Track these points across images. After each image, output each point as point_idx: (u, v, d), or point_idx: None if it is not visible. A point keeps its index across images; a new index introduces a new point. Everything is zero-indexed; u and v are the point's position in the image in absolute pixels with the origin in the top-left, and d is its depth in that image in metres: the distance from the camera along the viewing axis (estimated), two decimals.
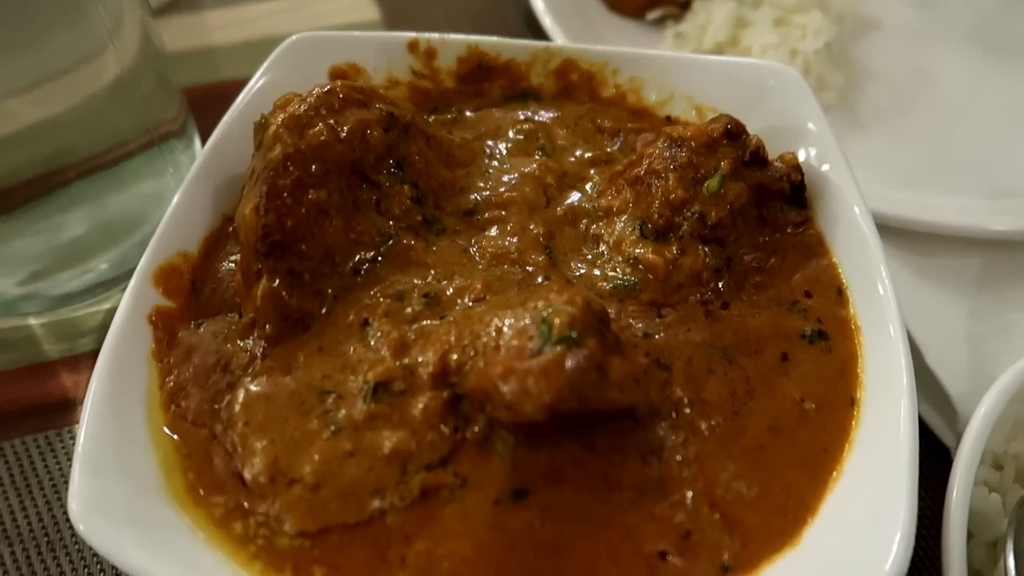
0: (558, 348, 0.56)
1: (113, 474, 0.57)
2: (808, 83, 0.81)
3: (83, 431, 0.58)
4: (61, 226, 0.83)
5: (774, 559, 0.57)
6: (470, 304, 0.66)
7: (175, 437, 0.63)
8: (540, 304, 0.60)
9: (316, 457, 0.60)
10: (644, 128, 0.85)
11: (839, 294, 0.71)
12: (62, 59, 0.74)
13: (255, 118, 0.76)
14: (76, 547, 0.72)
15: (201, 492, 0.60)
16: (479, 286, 0.68)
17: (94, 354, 0.84)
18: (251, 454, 0.60)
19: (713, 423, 0.63)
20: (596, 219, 0.76)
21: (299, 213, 0.66)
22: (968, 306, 0.87)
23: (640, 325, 0.68)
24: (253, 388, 0.64)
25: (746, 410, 0.64)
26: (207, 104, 0.96)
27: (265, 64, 0.83)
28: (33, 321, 0.88)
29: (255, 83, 0.81)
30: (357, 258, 0.70)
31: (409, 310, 0.67)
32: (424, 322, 0.66)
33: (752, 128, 0.80)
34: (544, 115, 0.86)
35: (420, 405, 0.61)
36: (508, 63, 0.88)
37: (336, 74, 0.84)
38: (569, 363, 0.56)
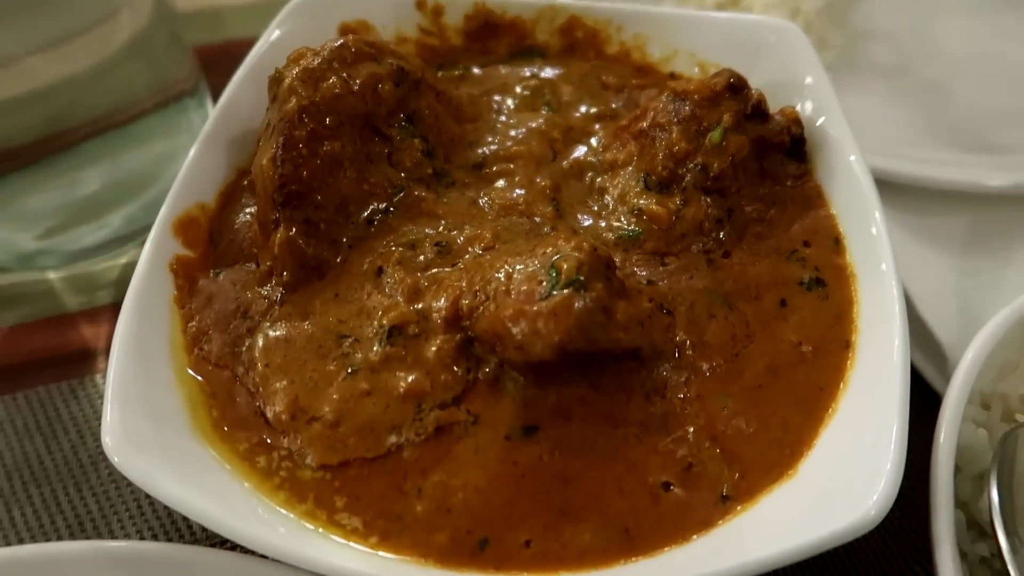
0: (566, 291, 0.59)
1: (142, 411, 0.60)
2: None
3: (112, 371, 0.60)
4: (77, 182, 0.85)
5: (771, 489, 0.60)
6: (480, 252, 0.69)
7: (199, 378, 0.66)
8: (549, 250, 0.62)
9: (335, 396, 0.63)
10: (648, 84, 0.87)
11: (836, 244, 0.73)
12: (80, 18, 0.76)
13: (267, 74, 0.78)
14: (102, 487, 0.75)
15: (225, 428, 0.63)
16: (488, 235, 0.70)
17: (113, 306, 0.88)
18: (272, 394, 0.64)
19: (714, 364, 0.65)
20: (601, 172, 0.78)
21: (314, 164, 0.68)
22: (960, 260, 0.89)
23: (644, 273, 0.71)
24: (272, 332, 0.67)
25: (745, 352, 0.66)
26: (217, 64, 0.98)
27: (275, 21, 0.85)
28: (52, 275, 0.90)
29: (266, 40, 0.83)
30: (371, 209, 0.72)
31: (422, 258, 0.69)
32: (436, 270, 0.68)
33: (754, 83, 0.82)
34: (550, 72, 0.88)
35: (433, 347, 0.64)
36: (514, 20, 0.90)
37: (345, 31, 0.86)
38: (577, 305, 0.58)
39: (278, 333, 0.67)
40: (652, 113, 0.75)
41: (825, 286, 0.71)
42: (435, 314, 0.65)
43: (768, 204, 0.76)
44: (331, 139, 0.70)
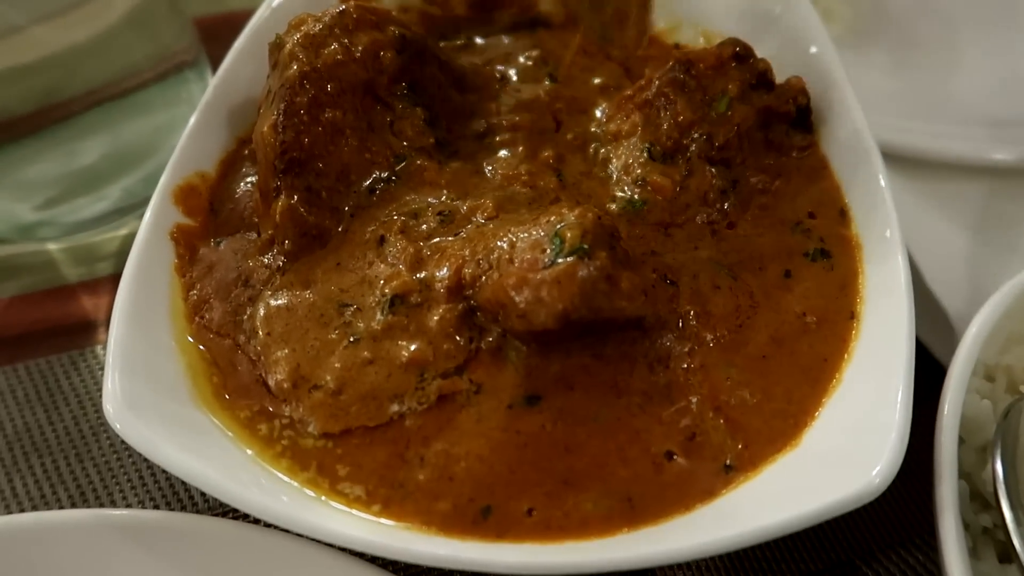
0: (570, 259, 0.58)
1: (143, 378, 0.59)
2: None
3: (113, 338, 0.60)
4: (75, 153, 0.84)
5: (775, 459, 0.60)
6: (483, 222, 0.68)
7: (200, 347, 0.65)
8: (552, 219, 0.62)
9: (337, 365, 0.62)
10: (652, 55, 0.86)
11: (842, 215, 0.73)
12: None
13: (267, 41, 0.77)
14: (103, 458, 0.75)
15: (227, 396, 0.63)
16: (491, 205, 0.69)
17: (113, 278, 0.87)
18: (274, 362, 0.63)
19: (718, 334, 0.65)
20: (605, 143, 0.77)
21: (316, 131, 0.68)
22: (966, 231, 0.89)
23: (649, 244, 0.70)
24: (273, 301, 0.66)
25: (749, 323, 0.66)
26: (216, 35, 0.97)
27: None
28: (52, 246, 0.90)
29: (267, 7, 0.82)
30: (372, 177, 0.71)
31: (424, 227, 0.69)
32: (439, 239, 0.68)
33: (760, 54, 0.81)
34: (553, 42, 0.87)
35: (436, 317, 0.64)
36: None
37: None
38: (581, 273, 0.58)
39: (280, 302, 0.66)
40: (657, 83, 0.75)
41: (830, 257, 0.70)
42: (438, 283, 0.65)
43: (773, 175, 0.75)
44: (332, 106, 0.69)
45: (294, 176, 0.67)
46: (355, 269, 0.67)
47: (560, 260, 0.59)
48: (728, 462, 0.60)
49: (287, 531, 0.57)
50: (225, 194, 0.74)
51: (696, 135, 0.72)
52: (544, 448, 0.60)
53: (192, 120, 0.75)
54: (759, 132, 0.75)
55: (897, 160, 0.89)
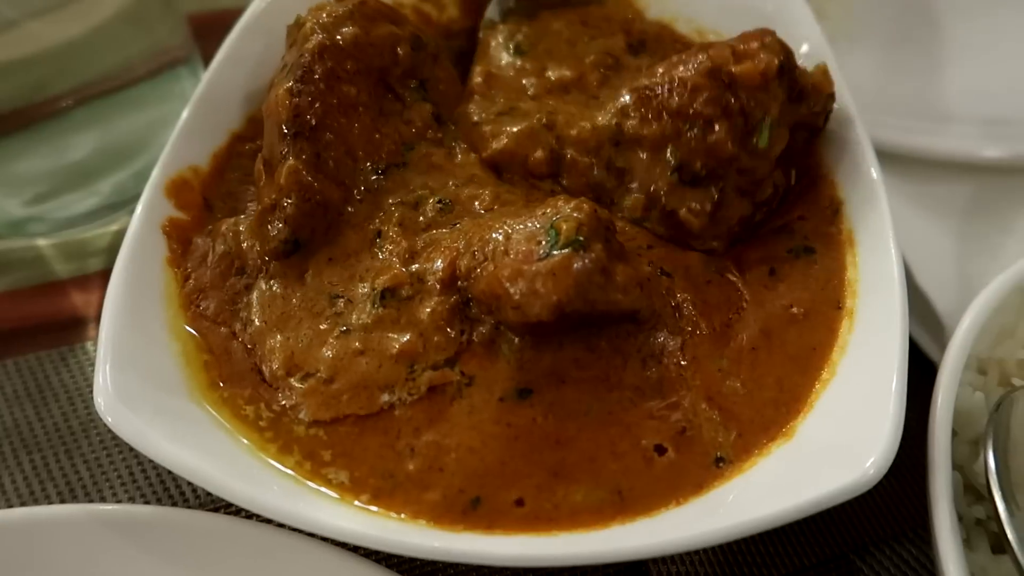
0: (566, 251, 0.58)
1: (135, 371, 0.59)
2: None
3: (104, 332, 0.60)
4: (67, 148, 0.84)
5: (768, 451, 0.60)
6: (482, 212, 0.68)
7: (196, 335, 0.65)
8: (548, 211, 0.62)
9: (328, 354, 0.63)
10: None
11: (832, 212, 0.72)
12: None
13: (261, 37, 0.78)
14: (93, 454, 0.75)
15: (222, 385, 0.63)
16: (488, 196, 0.70)
17: (103, 274, 0.87)
18: (268, 350, 0.64)
19: (712, 324, 0.65)
20: (624, 146, 0.71)
21: (330, 101, 0.68)
22: (957, 229, 0.89)
23: (643, 239, 0.70)
24: (268, 290, 0.67)
25: (738, 317, 0.67)
26: (209, 32, 0.96)
27: None
28: (42, 242, 0.89)
29: (258, 4, 0.82)
30: (380, 159, 0.72)
31: (422, 218, 0.69)
32: (436, 231, 0.68)
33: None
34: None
35: (427, 309, 0.64)
36: None
37: None
38: (576, 265, 0.58)
39: (274, 291, 0.67)
40: (690, 92, 0.67)
41: (814, 252, 0.70)
42: (430, 276, 0.65)
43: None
44: (348, 83, 0.70)
45: (304, 140, 0.67)
46: (348, 265, 0.67)
47: (555, 252, 0.59)
48: (719, 455, 0.60)
49: (280, 525, 0.57)
50: (218, 188, 0.74)
51: (734, 169, 0.68)
52: (535, 441, 0.60)
53: (185, 114, 0.74)
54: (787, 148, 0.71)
55: (889, 156, 0.89)
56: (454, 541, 0.55)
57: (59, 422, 0.77)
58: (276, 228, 0.67)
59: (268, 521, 0.57)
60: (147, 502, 0.72)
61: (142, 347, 0.61)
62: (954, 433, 0.63)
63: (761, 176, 0.69)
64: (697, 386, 0.63)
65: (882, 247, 0.67)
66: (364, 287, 0.65)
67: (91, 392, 0.77)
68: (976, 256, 0.86)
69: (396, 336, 0.63)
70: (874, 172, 0.70)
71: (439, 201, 0.70)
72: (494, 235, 0.62)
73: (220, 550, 0.59)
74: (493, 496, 0.57)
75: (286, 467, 0.59)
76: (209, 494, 0.70)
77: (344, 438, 0.60)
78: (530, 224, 0.61)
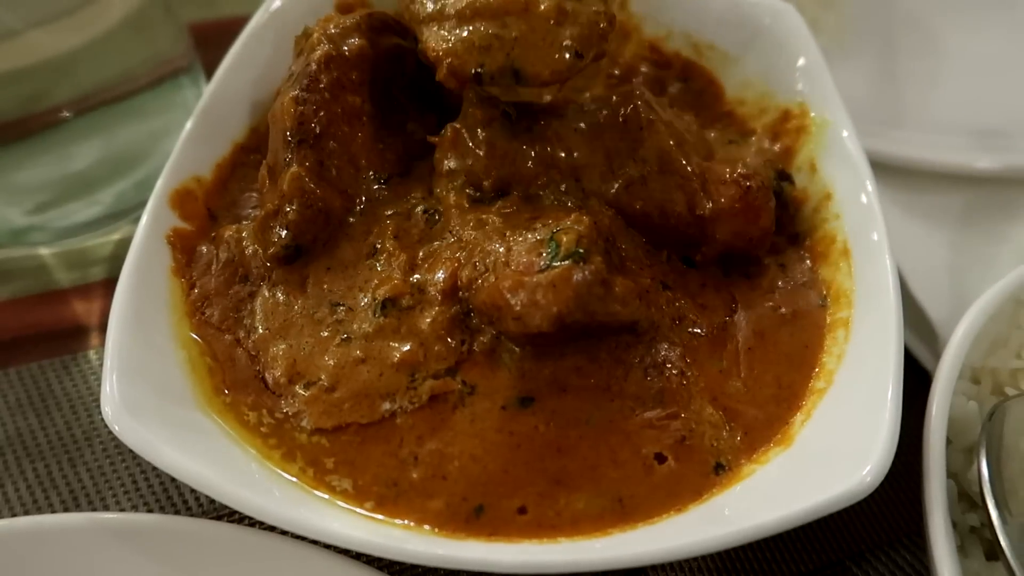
0: (566, 263, 0.59)
1: (141, 380, 0.60)
2: None
3: (110, 341, 0.60)
4: (69, 157, 0.85)
5: (767, 458, 0.61)
6: (483, 217, 0.69)
7: (201, 342, 0.66)
8: (549, 223, 0.63)
9: (330, 362, 0.64)
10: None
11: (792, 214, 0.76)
12: None
13: (262, 49, 0.79)
14: (96, 463, 0.75)
15: (226, 392, 0.64)
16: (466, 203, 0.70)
17: (106, 282, 0.87)
18: (272, 358, 0.65)
19: (708, 331, 0.67)
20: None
21: (335, 110, 0.69)
22: (950, 239, 0.90)
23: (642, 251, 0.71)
24: (271, 297, 0.68)
25: (732, 321, 0.69)
26: (209, 41, 0.97)
27: None
28: (44, 251, 0.90)
29: (265, 10, 0.83)
30: (382, 169, 0.73)
31: (414, 229, 0.70)
32: (437, 242, 0.68)
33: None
34: None
35: (428, 319, 0.64)
36: None
37: (343, 7, 0.85)
38: (576, 277, 0.59)
39: (277, 298, 0.68)
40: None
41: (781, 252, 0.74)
42: (431, 287, 0.66)
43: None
44: (353, 93, 0.71)
45: (308, 148, 0.68)
46: (346, 276, 0.68)
47: (556, 264, 0.59)
48: (719, 462, 0.61)
49: (284, 533, 0.57)
50: (221, 198, 0.75)
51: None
52: (537, 449, 0.60)
53: (188, 124, 0.75)
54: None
55: (881, 168, 0.91)
56: (458, 549, 0.55)
57: (62, 430, 0.77)
58: (278, 234, 0.68)
59: (272, 529, 0.57)
60: (150, 510, 0.72)
61: (148, 356, 0.62)
62: (948, 441, 0.64)
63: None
64: (701, 388, 0.64)
65: (877, 258, 0.68)
66: (365, 297, 0.66)
67: (94, 400, 0.78)
68: (969, 266, 0.87)
69: (397, 345, 0.64)
70: (869, 184, 0.72)
71: (425, 211, 0.70)
72: (495, 246, 0.63)
73: (224, 558, 0.60)
74: (496, 504, 0.58)
75: (290, 474, 0.60)
76: (212, 501, 0.71)
77: (347, 446, 0.61)
78: (531, 236, 0.62)
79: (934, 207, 0.93)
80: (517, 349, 0.63)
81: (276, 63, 0.80)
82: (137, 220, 0.70)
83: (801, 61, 0.81)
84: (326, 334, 0.65)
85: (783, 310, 0.70)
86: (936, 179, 0.94)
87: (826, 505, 0.53)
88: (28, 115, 0.80)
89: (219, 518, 0.70)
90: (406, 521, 0.57)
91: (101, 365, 0.80)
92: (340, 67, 0.70)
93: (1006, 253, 0.88)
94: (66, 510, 0.72)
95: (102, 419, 0.75)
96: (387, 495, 0.59)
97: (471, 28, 0.66)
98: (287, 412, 0.63)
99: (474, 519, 0.58)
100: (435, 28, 0.67)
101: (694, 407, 0.63)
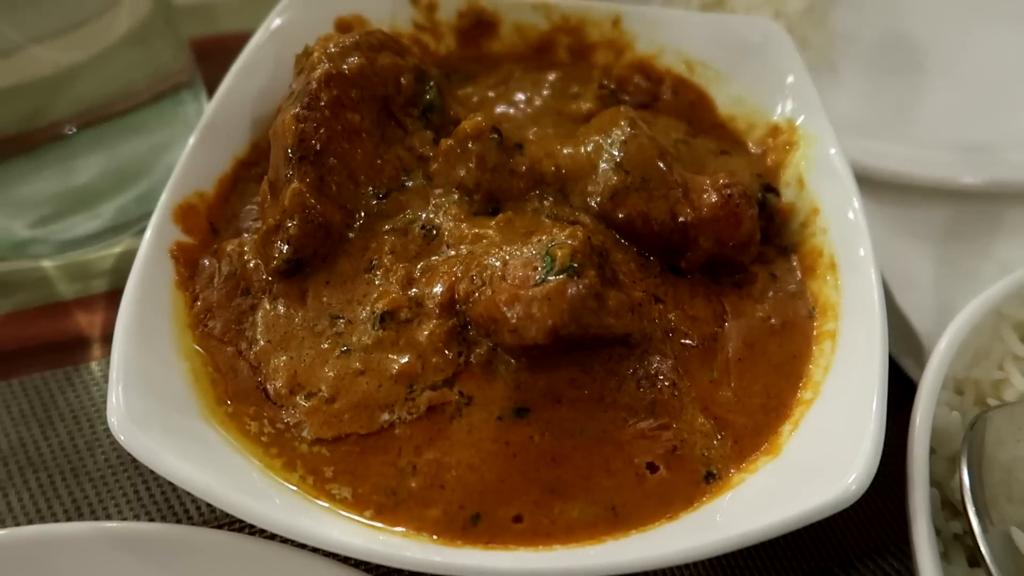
0: (561, 277, 0.61)
1: (147, 391, 0.61)
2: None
3: (116, 353, 0.62)
4: (71, 171, 0.86)
5: (756, 467, 0.62)
6: (478, 232, 0.71)
7: (204, 354, 0.68)
8: (544, 237, 0.64)
9: (330, 373, 0.65)
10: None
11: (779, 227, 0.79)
12: (83, 7, 0.77)
13: (264, 66, 0.80)
14: (99, 473, 0.76)
15: (228, 403, 0.65)
16: (463, 215, 0.73)
17: (107, 295, 0.89)
18: (273, 369, 0.66)
19: (699, 341, 0.69)
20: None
21: (335, 127, 0.71)
22: (935, 253, 0.92)
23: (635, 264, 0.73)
24: (272, 310, 0.69)
25: (722, 331, 0.71)
26: (209, 56, 0.99)
27: (272, 14, 0.86)
28: (46, 263, 0.91)
29: (266, 29, 0.84)
30: (381, 184, 0.74)
31: (417, 244, 0.71)
32: (436, 257, 0.70)
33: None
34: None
35: (426, 332, 0.66)
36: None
37: (342, 25, 0.87)
38: (571, 291, 0.61)
39: (278, 311, 0.69)
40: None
41: (771, 263, 0.76)
42: (429, 300, 0.67)
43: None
44: (353, 109, 0.73)
45: (308, 164, 0.70)
46: (345, 289, 0.70)
47: (551, 278, 0.61)
48: (709, 471, 0.62)
49: (284, 541, 0.59)
50: (223, 212, 0.77)
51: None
52: (532, 458, 0.62)
53: (192, 139, 0.77)
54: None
55: (869, 182, 0.93)
56: (455, 556, 0.57)
57: (64, 441, 0.78)
58: (280, 248, 0.69)
59: (273, 536, 0.59)
60: (152, 519, 0.73)
61: (153, 368, 0.63)
62: (932, 451, 0.66)
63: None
64: (692, 398, 0.66)
65: (863, 273, 0.70)
66: (364, 309, 0.68)
67: (96, 411, 0.80)
68: (953, 279, 0.89)
69: (395, 357, 0.65)
70: (856, 201, 0.74)
71: (422, 227, 0.72)
72: (491, 261, 0.65)
73: (225, 566, 0.61)
74: (492, 512, 0.60)
75: (290, 483, 0.61)
76: (213, 510, 0.72)
77: (346, 456, 0.62)
78: (526, 250, 0.64)
79: (919, 221, 0.95)
80: (513, 361, 0.65)
81: (277, 80, 0.81)
82: (138, 233, 0.71)
83: (790, 79, 0.84)
84: (326, 346, 0.66)
85: (772, 321, 0.72)
86: (921, 193, 0.96)
87: (813, 513, 0.55)
88: (31, 129, 0.82)
89: (220, 526, 0.71)
90: (405, 529, 0.59)
91: (103, 376, 0.82)
92: (340, 85, 0.72)
93: (988, 266, 0.90)
94: (69, 519, 0.73)
95: (104, 429, 0.78)
96: (386, 503, 0.60)
97: None
98: (288, 422, 0.64)
99: (471, 527, 0.59)
100: None
101: (686, 417, 0.65)
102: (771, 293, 0.74)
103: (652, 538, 0.59)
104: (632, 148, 0.73)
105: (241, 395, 0.65)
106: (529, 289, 0.61)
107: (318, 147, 0.70)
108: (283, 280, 0.70)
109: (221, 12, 1.22)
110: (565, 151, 0.76)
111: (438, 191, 0.74)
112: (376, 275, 0.70)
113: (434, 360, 0.65)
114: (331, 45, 0.74)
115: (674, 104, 0.90)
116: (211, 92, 0.83)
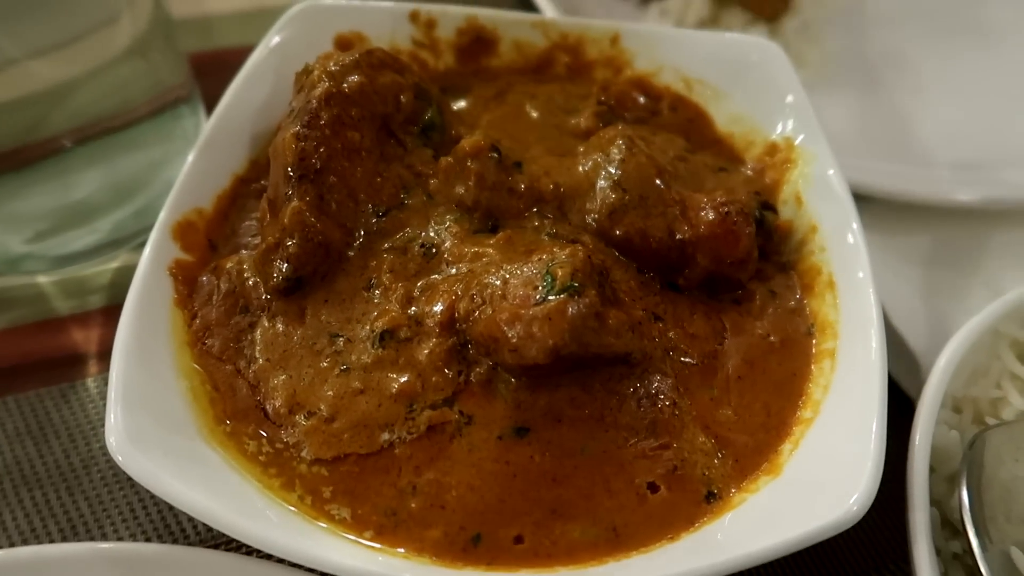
0: (561, 296, 0.61)
1: (145, 411, 0.60)
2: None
3: (115, 372, 0.61)
4: (69, 186, 0.85)
5: (757, 487, 0.62)
6: (477, 251, 0.71)
7: (203, 372, 0.67)
8: (544, 256, 0.64)
9: (330, 393, 0.65)
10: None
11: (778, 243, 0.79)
12: (82, 22, 0.77)
13: (263, 83, 0.80)
14: (94, 491, 0.76)
15: (227, 422, 0.65)
16: (460, 231, 0.72)
17: (104, 311, 0.88)
18: (272, 388, 0.66)
19: (699, 359, 0.69)
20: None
21: (335, 146, 0.71)
22: (932, 271, 0.93)
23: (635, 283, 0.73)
24: (270, 328, 0.69)
25: (722, 349, 0.71)
26: (207, 71, 0.99)
27: (272, 31, 0.86)
28: (42, 279, 0.90)
29: (265, 46, 0.84)
30: (381, 202, 0.74)
31: (417, 263, 0.71)
32: (436, 275, 0.70)
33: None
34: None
35: (425, 351, 0.66)
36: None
37: (341, 42, 0.87)
38: (571, 310, 0.61)
39: (277, 329, 0.69)
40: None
41: (770, 279, 0.76)
42: (429, 319, 0.67)
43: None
44: (353, 128, 0.73)
45: (308, 183, 0.70)
46: (344, 308, 0.69)
47: (551, 297, 0.61)
48: (710, 491, 0.62)
49: (282, 562, 0.58)
50: (222, 230, 0.77)
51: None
52: (533, 478, 0.62)
53: (191, 156, 0.77)
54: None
55: (864, 201, 0.93)
56: None
57: (60, 459, 0.78)
58: (279, 267, 0.69)
59: (270, 557, 0.58)
60: (148, 538, 0.73)
61: (151, 386, 0.63)
62: (932, 470, 0.66)
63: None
64: (693, 417, 0.66)
65: (862, 293, 0.70)
66: (363, 328, 0.68)
67: (92, 428, 0.79)
68: (949, 297, 0.90)
69: (395, 376, 0.65)
70: (854, 223, 0.74)
71: (422, 245, 0.72)
72: (491, 279, 0.65)
73: None
74: (493, 533, 0.59)
75: (289, 503, 0.61)
76: (210, 530, 0.72)
77: (346, 476, 0.62)
78: (526, 269, 0.64)
79: (914, 239, 0.96)
80: (513, 380, 0.65)
81: (276, 97, 0.81)
82: (136, 248, 0.71)
83: (788, 98, 0.84)
84: (325, 365, 0.66)
85: (771, 338, 0.72)
86: (916, 212, 0.97)
87: (815, 534, 0.55)
88: (28, 144, 0.81)
89: (216, 546, 0.71)
90: (405, 550, 0.59)
91: (99, 393, 0.82)
92: (340, 104, 0.72)
93: (983, 284, 0.91)
94: (64, 539, 0.73)
95: (100, 447, 0.77)
96: (386, 524, 0.60)
97: None
98: (287, 442, 0.64)
99: (472, 548, 0.59)
100: None
101: (686, 436, 0.65)
102: (770, 310, 0.74)
103: (654, 559, 0.59)
104: (630, 166, 0.74)
105: (240, 414, 0.65)
106: (530, 308, 0.61)
107: (318, 165, 0.70)
108: (282, 298, 0.70)
109: (220, 27, 1.22)
110: (564, 169, 0.77)
111: (438, 209, 0.75)
112: (376, 293, 0.70)
113: (434, 379, 0.65)
114: (331, 63, 0.74)
115: (673, 120, 0.90)
116: (210, 107, 0.83)
